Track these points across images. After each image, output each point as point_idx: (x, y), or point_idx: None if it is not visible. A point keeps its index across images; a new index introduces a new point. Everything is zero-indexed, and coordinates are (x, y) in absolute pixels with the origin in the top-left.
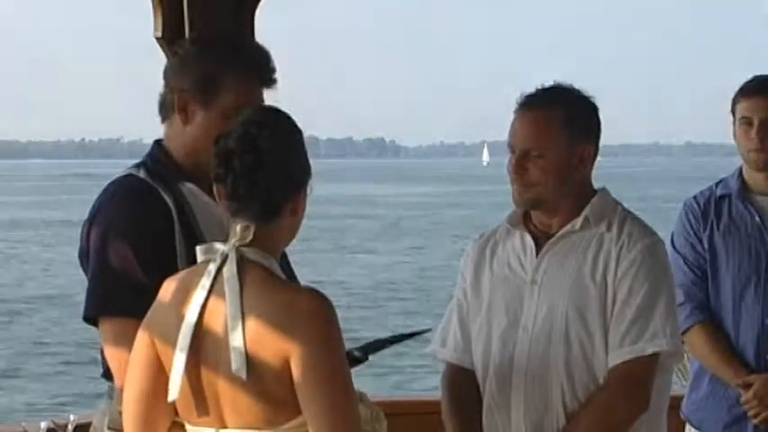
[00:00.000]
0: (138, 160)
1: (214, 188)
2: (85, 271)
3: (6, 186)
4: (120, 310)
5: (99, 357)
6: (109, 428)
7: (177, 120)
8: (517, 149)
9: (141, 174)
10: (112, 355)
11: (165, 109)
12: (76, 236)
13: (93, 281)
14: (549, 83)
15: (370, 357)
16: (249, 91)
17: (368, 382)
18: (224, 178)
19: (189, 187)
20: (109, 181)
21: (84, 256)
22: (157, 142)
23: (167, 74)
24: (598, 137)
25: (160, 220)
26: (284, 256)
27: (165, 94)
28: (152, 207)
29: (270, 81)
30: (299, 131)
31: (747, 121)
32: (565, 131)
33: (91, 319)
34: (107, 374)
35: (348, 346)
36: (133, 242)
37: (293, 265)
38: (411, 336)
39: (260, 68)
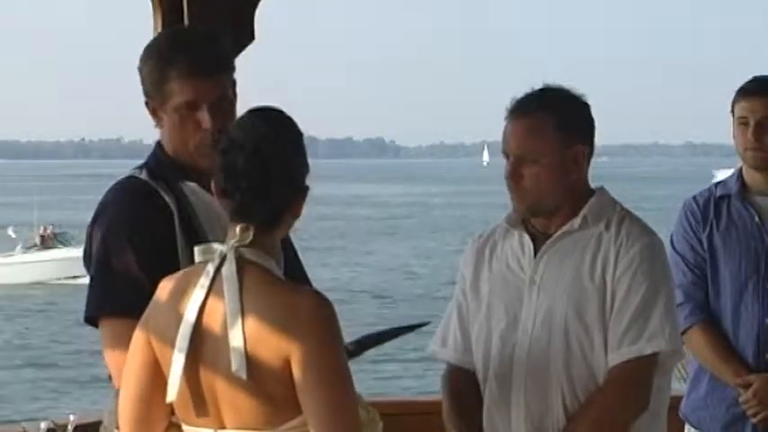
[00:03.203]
0: (135, 161)
1: (212, 185)
2: (89, 272)
3: None
4: (120, 311)
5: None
6: (117, 428)
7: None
8: (511, 156)
9: (143, 175)
10: (111, 354)
11: None
12: None
13: (93, 282)
14: (538, 86)
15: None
16: (194, 87)
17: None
18: (224, 181)
19: (190, 186)
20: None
21: (87, 257)
22: (158, 143)
23: None
24: (592, 135)
25: (160, 221)
26: (296, 257)
27: None
28: (151, 208)
29: (217, 68)
30: (300, 133)
31: (744, 122)
32: (557, 135)
33: (91, 319)
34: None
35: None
36: (133, 244)
37: None
38: (409, 329)
39: (197, 62)
